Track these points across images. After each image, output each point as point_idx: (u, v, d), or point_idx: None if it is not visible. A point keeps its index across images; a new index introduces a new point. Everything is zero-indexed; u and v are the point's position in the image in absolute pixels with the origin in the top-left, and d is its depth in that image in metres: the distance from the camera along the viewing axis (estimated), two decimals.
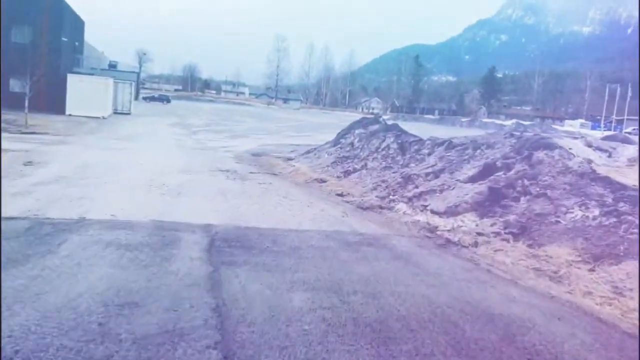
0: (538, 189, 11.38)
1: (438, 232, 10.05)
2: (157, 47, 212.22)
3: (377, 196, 13.60)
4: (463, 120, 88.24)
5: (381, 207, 12.06)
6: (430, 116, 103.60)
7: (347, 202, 12.25)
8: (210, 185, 12.76)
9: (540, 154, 12.32)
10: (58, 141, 22.34)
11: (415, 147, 17.46)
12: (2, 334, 3.97)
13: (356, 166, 18.30)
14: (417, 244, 8.32)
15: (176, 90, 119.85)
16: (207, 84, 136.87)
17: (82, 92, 36.03)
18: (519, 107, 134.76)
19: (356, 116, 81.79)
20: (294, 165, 20.54)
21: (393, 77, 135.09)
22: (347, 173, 17.69)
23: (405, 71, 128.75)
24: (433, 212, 11.48)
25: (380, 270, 6.44)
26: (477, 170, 12.85)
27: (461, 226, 10.76)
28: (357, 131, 23.11)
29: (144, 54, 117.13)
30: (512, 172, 12.23)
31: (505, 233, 10.30)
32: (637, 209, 9.39)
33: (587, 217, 9.97)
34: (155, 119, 43.40)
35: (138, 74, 75.38)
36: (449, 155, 15.07)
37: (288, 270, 6.13)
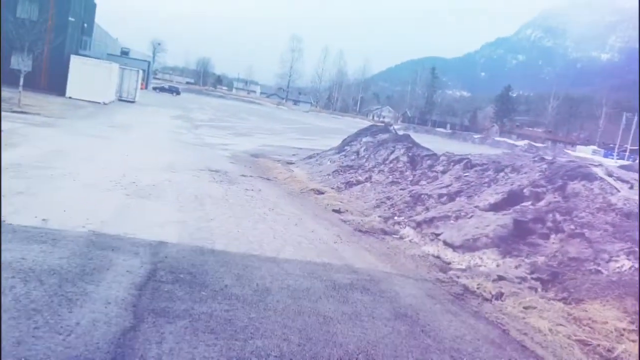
0: (573, 227, 9.41)
1: (452, 272, 8.12)
2: (172, 39, 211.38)
3: (380, 216, 11.69)
4: (475, 136, 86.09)
5: (384, 232, 10.12)
6: (442, 129, 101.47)
7: (344, 221, 10.32)
8: (188, 188, 10.88)
9: (576, 185, 10.35)
10: (46, 123, 20.58)
11: (428, 162, 15.51)
12: None
13: (360, 178, 16.40)
14: (427, 292, 6.38)
15: (188, 83, 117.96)
16: (219, 80, 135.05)
17: (84, 75, 34.32)
18: (531, 129, 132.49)
19: (366, 123, 79.91)
20: (292, 171, 18.65)
21: (407, 87, 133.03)
22: (348, 185, 15.78)
23: (420, 82, 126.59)
24: (446, 243, 9.54)
25: (375, 340, 4.51)
26: (500, 197, 10.90)
27: (479, 265, 8.82)
28: (364, 139, 21.22)
29: (159, 44, 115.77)
30: (542, 203, 10.27)
31: (532, 279, 8.35)
32: None
33: (637, 269, 8.03)
34: (159, 109, 41.67)
35: (149, 63, 73.75)
36: (466, 176, 13.13)
37: (242, 331, 4.21)
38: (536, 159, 12.84)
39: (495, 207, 10.77)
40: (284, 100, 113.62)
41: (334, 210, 11.24)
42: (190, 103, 59.65)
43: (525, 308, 6.76)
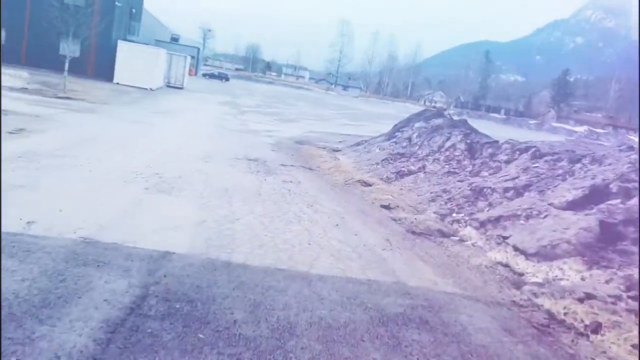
0: None
1: (527, 287, 6.50)
2: (222, 26, 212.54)
3: (436, 213, 10.12)
4: (531, 122, 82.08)
5: (441, 233, 8.56)
6: (496, 115, 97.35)
7: (395, 219, 8.82)
8: (219, 180, 9.62)
9: None
10: (87, 109, 19.87)
11: (489, 150, 13.73)
12: None
13: (412, 167, 14.78)
14: (503, 324, 4.84)
15: (237, 69, 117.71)
16: (268, 66, 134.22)
17: (131, 61, 33.81)
18: (589, 114, 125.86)
19: (417, 109, 77.50)
20: (337, 159, 17.20)
21: (459, 72, 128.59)
22: (399, 175, 14.21)
23: (474, 66, 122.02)
24: (516, 249, 7.90)
25: None
26: (579, 193, 9.12)
27: (560, 278, 7.15)
28: (416, 124, 19.50)
29: (209, 30, 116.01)
30: (634, 201, 8.46)
31: (629, 297, 6.66)
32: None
33: None
34: (206, 95, 40.96)
35: (198, 49, 73.54)
36: (535, 167, 11.32)
37: None
38: (622, 147, 10.88)
39: (574, 206, 9.00)
40: (333, 86, 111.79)
41: (382, 206, 9.74)
42: (238, 89, 58.97)
43: (633, 347, 5.13)
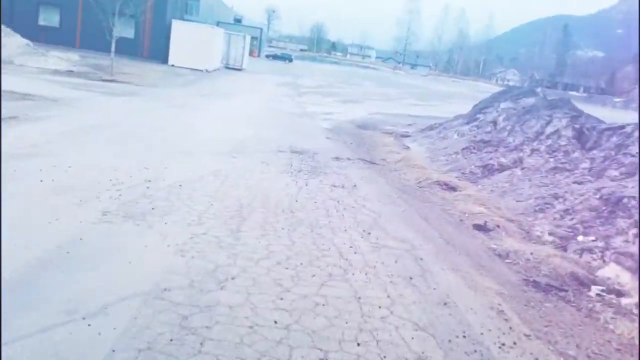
0: None
1: None
2: (287, 7, 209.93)
3: (552, 234, 6.80)
4: (616, 100, 74.39)
5: (578, 280, 5.27)
6: (575, 93, 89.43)
7: (500, 255, 5.58)
8: (239, 189, 6.71)
9: None
10: (128, 92, 17.59)
11: (613, 139, 10.07)
12: None
13: (503, 160, 11.35)
14: None
15: (302, 50, 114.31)
16: (333, 46, 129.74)
17: (186, 41, 31.58)
18: None
19: (490, 87, 72.09)
20: (407, 148, 13.94)
21: (534, 49, 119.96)
22: (487, 170, 10.84)
23: (549, 42, 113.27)
24: None
25: None
26: None
27: None
28: (502, 105, 15.83)
29: (273, 11, 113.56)
30: None
31: None
32: None
33: None
34: (266, 76, 38.35)
35: (261, 30, 71.07)
36: None
37: None
38: None
39: None
40: (401, 65, 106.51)
41: (475, 227, 6.51)
42: (301, 70, 56.04)
43: None
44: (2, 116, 9.27)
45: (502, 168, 10.87)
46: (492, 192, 9.17)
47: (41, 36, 29.33)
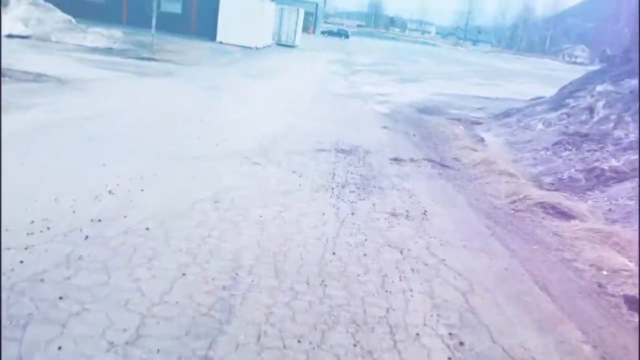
0: None
1: None
2: None
3: None
4: None
5: None
6: None
7: None
8: (246, 223, 4.33)
9: None
10: (164, 72, 15.61)
11: None
12: None
13: (615, 162, 8.49)
14: None
15: (359, 26, 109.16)
16: (392, 21, 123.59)
17: (234, 16, 29.36)
18: None
19: (557, 64, 66.40)
20: (482, 142, 11.17)
21: (603, 23, 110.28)
22: (596, 178, 8.02)
23: (621, 16, 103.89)
24: None
25: None
26: None
27: None
28: (599, 87, 12.71)
29: None
30: None
31: None
32: None
33: None
34: (319, 54, 35.71)
35: (317, 4, 67.91)
36: None
37: None
38: None
39: None
40: (462, 41, 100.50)
41: (630, 304, 3.88)
42: (356, 47, 52.80)
43: None
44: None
45: (615, 175, 8.03)
46: (616, 216, 6.39)
47: (88, 12, 27.84)
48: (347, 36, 69.09)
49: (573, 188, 7.90)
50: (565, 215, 5.82)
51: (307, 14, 49.37)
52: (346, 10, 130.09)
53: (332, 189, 5.71)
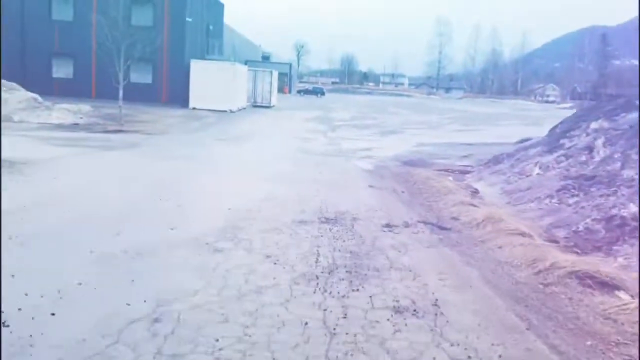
0: None
1: None
2: (315, 41, 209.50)
3: None
4: None
5: None
6: None
7: None
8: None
9: None
10: (129, 144, 14.59)
11: None
12: None
13: (635, 208, 7.42)
14: None
15: (333, 83, 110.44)
16: (365, 76, 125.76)
17: (206, 81, 28.79)
18: None
19: (531, 104, 67.03)
20: (476, 193, 10.10)
21: (570, 62, 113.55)
22: (619, 228, 6.92)
23: (586, 54, 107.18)
24: None
25: None
26: None
27: None
28: (593, 125, 11.87)
29: (302, 46, 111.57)
30: None
31: None
32: None
33: None
34: (296, 112, 35.19)
35: (291, 65, 68.43)
36: None
37: None
38: None
39: None
40: (434, 89, 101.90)
41: None
42: (333, 103, 52.67)
43: None
44: None
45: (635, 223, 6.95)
46: None
47: (55, 89, 27.02)
48: (322, 93, 69.45)
49: (594, 242, 6.79)
50: (606, 286, 4.64)
51: (281, 74, 49.42)
52: (320, 69, 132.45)
53: (317, 277, 4.48)
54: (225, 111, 28.69)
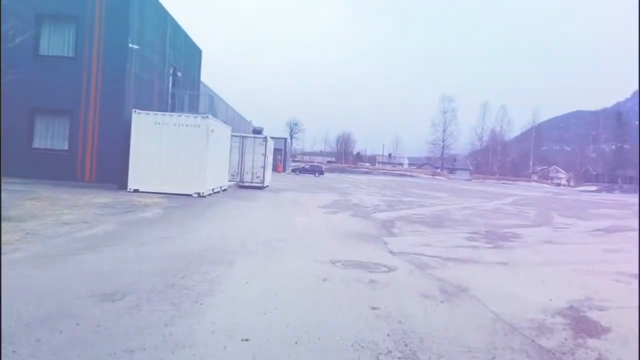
0: None
1: None
2: (308, 119, 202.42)
3: None
4: None
5: None
6: (627, 185, 73.13)
7: None
8: None
9: None
10: None
11: None
12: None
13: None
14: None
15: (329, 162, 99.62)
16: (359, 156, 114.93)
17: (158, 146, 17.13)
18: None
19: (557, 189, 55.76)
20: None
21: (556, 146, 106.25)
22: None
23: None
24: None
25: None
26: None
27: None
28: None
29: (295, 124, 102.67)
30: None
31: None
32: None
33: None
34: (300, 195, 23.46)
35: (285, 140, 57.88)
36: None
37: None
38: None
39: None
40: (439, 170, 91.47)
41: None
42: (337, 183, 41.24)
43: None
44: None
45: None
46: None
47: None
48: (321, 172, 58.20)
49: None
50: None
51: (275, 150, 38.19)
52: (313, 148, 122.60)
53: None
54: (190, 195, 16.79)
